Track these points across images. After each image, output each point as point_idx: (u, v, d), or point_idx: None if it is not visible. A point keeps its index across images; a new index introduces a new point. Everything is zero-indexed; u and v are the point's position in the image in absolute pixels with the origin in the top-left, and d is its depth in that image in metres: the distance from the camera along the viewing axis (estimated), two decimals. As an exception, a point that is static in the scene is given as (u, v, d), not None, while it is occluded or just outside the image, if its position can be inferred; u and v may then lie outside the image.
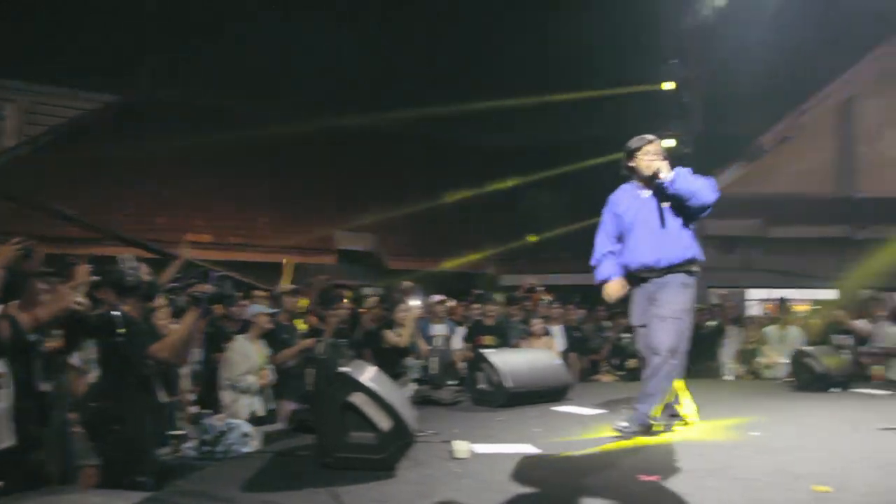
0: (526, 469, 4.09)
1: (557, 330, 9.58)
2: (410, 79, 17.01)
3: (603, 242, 5.38)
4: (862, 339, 9.50)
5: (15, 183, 11.71)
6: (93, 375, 4.97)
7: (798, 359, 8.08)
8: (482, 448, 4.57)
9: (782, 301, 11.29)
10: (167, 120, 13.95)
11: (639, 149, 5.14)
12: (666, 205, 5.08)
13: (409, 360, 7.94)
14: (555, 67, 17.55)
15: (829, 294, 14.10)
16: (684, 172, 5.05)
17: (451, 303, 9.35)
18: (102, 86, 15.41)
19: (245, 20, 16.70)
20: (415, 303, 8.34)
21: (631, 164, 5.20)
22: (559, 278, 13.75)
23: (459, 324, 9.18)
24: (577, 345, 9.91)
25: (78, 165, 12.76)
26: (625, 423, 4.94)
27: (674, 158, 5.30)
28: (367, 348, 7.84)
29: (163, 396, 4.67)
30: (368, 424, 4.08)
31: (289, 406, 6.70)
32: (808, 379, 7.81)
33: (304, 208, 14.44)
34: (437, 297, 9.02)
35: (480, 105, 15.26)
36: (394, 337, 7.74)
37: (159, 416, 4.57)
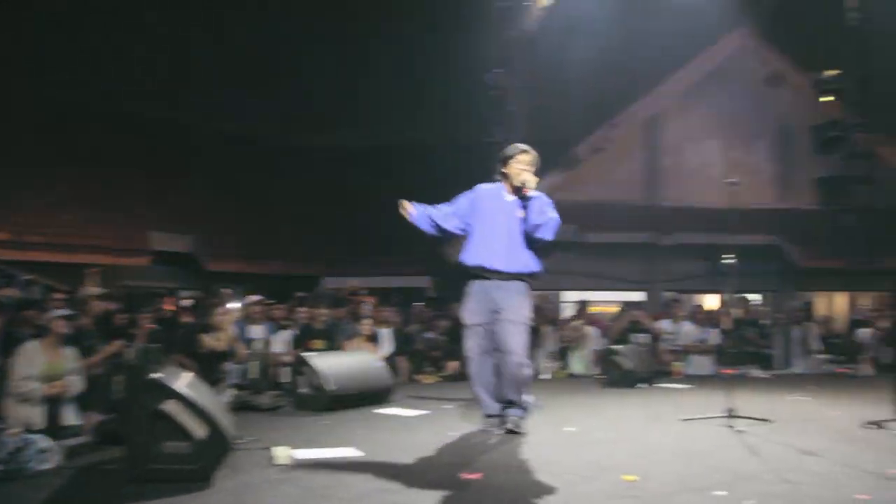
0: (349, 473, 4.02)
1: (386, 333, 9.57)
2: (228, 74, 16.47)
3: (441, 207, 5.45)
4: (659, 338, 10.20)
5: None
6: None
7: (607, 357, 8.54)
8: (304, 453, 4.46)
9: (582, 303, 11.91)
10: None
11: (513, 156, 5.23)
12: (521, 215, 5.16)
13: (228, 365, 7.63)
14: (381, 70, 17.60)
15: (637, 296, 15.02)
16: (545, 200, 5.13)
17: (272, 305, 9.11)
18: None
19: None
20: (233, 305, 8.05)
21: (504, 169, 5.27)
22: (381, 281, 13.77)
23: (283, 327, 8.96)
24: (403, 347, 9.95)
25: None
26: (509, 426, 5.08)
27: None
28: (184, 353, 7.47)
29: None
30: (182, 433, 3.87)
31: (95, 417, 6.24)
32: (616, 376, 8.26)
33: (113, 206, 13.53)
34: (254, 298, 8.77)
35: (304, 104, 15.04)
36: (211, 341, 7.44)
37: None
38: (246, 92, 16.35)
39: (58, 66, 14.38)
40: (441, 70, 15.93)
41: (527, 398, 5.22)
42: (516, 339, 5.02)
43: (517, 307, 5.09)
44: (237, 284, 10.52)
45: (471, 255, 5.26)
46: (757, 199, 15.81)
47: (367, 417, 5.96)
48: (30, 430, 4.90)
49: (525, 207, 5.09)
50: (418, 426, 5.54)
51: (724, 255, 5.74)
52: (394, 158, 16.96)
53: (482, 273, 5.18)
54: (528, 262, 5.19)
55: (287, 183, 16.19)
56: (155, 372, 4.17)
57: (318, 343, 8.54)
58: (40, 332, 6.05)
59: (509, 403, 5.15)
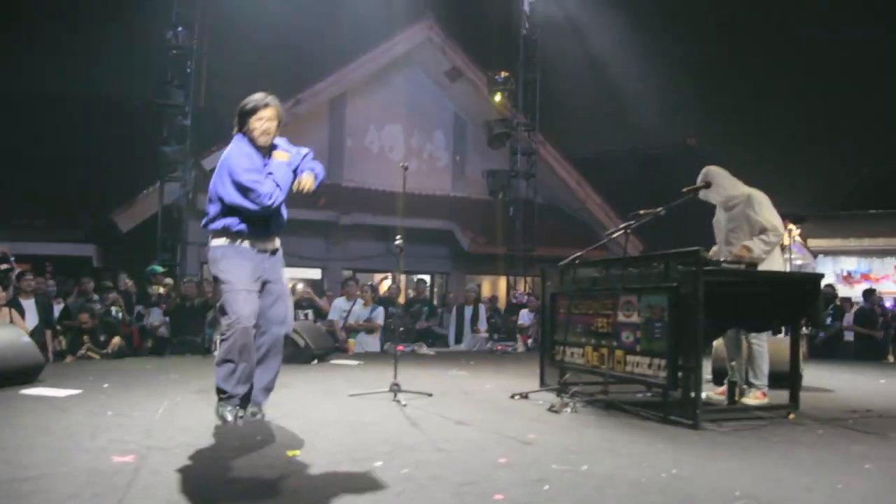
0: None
1: (30, 304, 8.67)
2: None
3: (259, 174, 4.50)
4: (322, 315, 10.44)
5: None
6: None
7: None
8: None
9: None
10: None
11: (254, 111, 4.55)
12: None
13: None
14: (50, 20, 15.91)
15: (314, 273, 15.19)
16: (284, 163, 4.57)
17: None
18: None
19: None
20: None
21: (244, 127, 4.57)
22: (32, 247, 12.47)
23: None
24: (51, 320, 9.10)
25: None
26: (253, 409, 4.66)
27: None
28: None
29: None
30: None
31: None
32: (292, 352, 8.25)
33: None
34: None
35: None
36: None
37: None
38: None
39: None
40: (116, 25, 14.81)
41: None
42: (289, 312, 4.81)
43: (282, 276, 4.79)
44: None
45: (235, 218, 4.53)
46: (433, 185, 16.78)
47: (8, 399, 5.33)
48: None
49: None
50: (70, 407, 5.06)
51: (395, 237, 5.94)
52: (57, 112, 15.46)
53: (252, 238, 4.58)
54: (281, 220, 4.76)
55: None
56: None
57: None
58: None
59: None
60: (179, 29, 12.53)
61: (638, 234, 11.16)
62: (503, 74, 15.61)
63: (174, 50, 12.52)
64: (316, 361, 8.43)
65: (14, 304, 8.56)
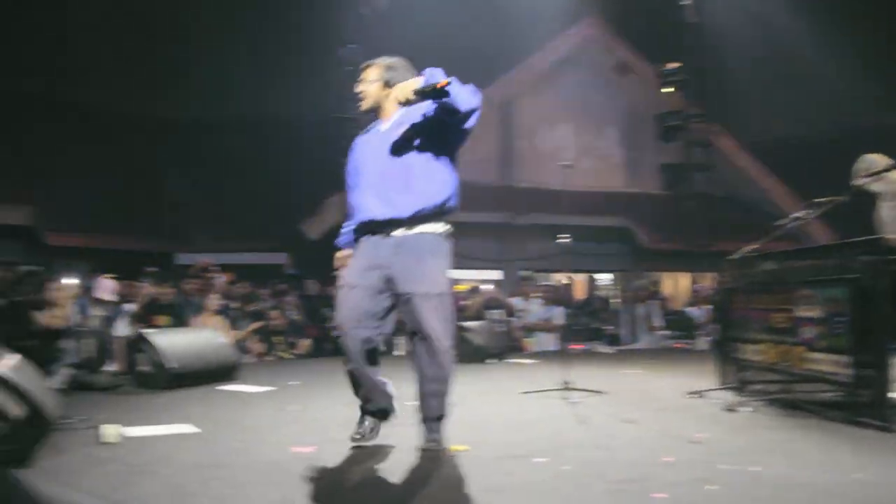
0: (178, 449, 3.94)
1: (238, 309, 9.41)
2: (70, 41, 15.58)
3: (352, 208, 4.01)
4: (513, 314, 10.51)
5: None
6: None
7: (458, 333, 8.71)
8: (135, 431, 4.34)
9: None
10: None
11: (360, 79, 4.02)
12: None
13: (66, 343, 7.28)
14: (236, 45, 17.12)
15: (493, 275, 15.39)
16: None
17: (115, 281, 8.76)
18: None
19: None
20: (70, 281, 7.68)
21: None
22: (236, 257, 13.50)
23: (127, 303, 8.62)
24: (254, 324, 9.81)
25: None
26: (433, 440, 3.83)
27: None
28: (14, 330, 7.06)
29: None
30: (-2, 412, 3.68)
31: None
32: (467, 351, 8.46)
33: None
34: (102, 279, 8.41)
35: (138, 73, 14.46)
36: (46, 318, 7.06)
37: None
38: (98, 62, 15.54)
39: None
40: (293, 45, 15.69)
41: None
42: (432, 321, 3.69)
43: (426, 274, 3.74)
44: (82, 260, 10.05)
45: (355, 220, 3.97)
46: (607, 182, 16.54)
47: (207, 394, 5.86)
48: None
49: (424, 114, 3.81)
50: (260, 402, 5.48)
51: (560, 235, 5.95)
52: (248, 133, 16.60)
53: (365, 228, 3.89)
54: (429, 195, 3.78)
55: (139, 155, 15.53)
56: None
57: (163, 319, 8.30)
58: None
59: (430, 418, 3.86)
60: (352, 45, 13.12)
61: (829, 223, 10.48)
62: (673, 65, 15.16)
63: (348, 66, 13.13)
64: (494, 361, 8.59)
65: (219, 309, 9.31)
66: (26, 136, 14.19)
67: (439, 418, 3.85)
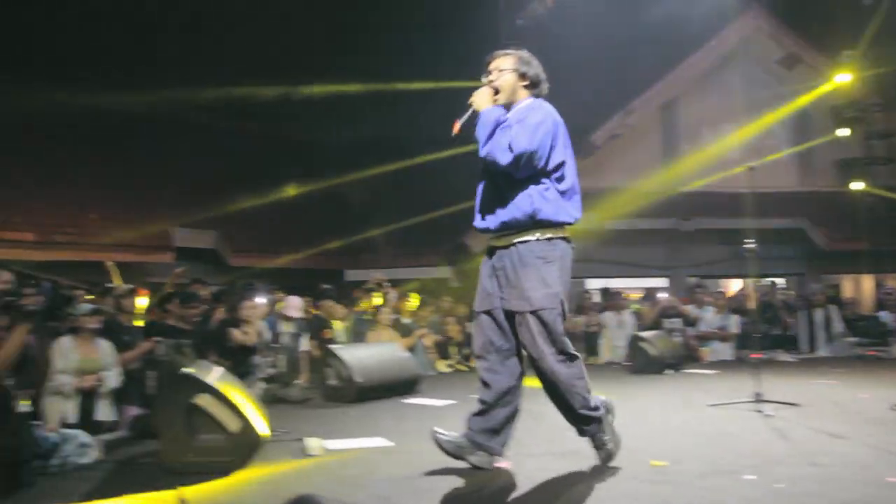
0: (379, 462, 4.08)
1: (404, 323, 9.63)
2: (234, 72, 16.53)
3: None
4: (690, 323, 10.16)
5: None
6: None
7: (634, 343, 8.54)
8: (334, 444, 4.52)
9: (605, 290, 11.85)
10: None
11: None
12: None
13: (256, 359, 7.71)
14: (391, 62, 17.59)
15: (659, 282, 15.00)
16: (493, 113, 3.66)
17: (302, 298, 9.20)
18: None
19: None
20: (260, 300, 8.12)
21: None
22: (403, 272, 13.84)
23: (307, 320, 9.03)
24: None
25: None
26: (599, 446, 3.72)
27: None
28: (213, 347, 7.55)
29: (22, 407, 4.27)
30: (216, 426, 3.94)
31: (131, 411, 6.35)
32: (643, 362, 8.27)
33: (136, 203, 13.69)
34: (291, 296, 8.84)
35: (313, 98, 15.05)
36: (240, 335, 7.50)
37: (11, 428, 4.10)
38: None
39: (77, 66, 14.51)
40: (454, 58, 15.90)
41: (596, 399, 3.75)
42: (536, 338, 3.54)
43: (530, 285, 3.56)
44: (259, 279, 10.60)
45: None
46: (778, 181, 15.72)
47: (395, 407, 6.03)
48: (65, 425, 5.00)
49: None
50: (446, 415, 5.58)
51: (745, 240, 5.71)
52: (415, 149, 16.98)
53: (488, 242, 3.84)
54: (522, 208, 3.62)
55: (307, 177, 16.25)
56: (187, 366, 4.26)
57: (339, 334, 8.62)
58: (74, 328, 6.13)
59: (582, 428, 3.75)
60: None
61: None
62: (848, 52, 14.23)
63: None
64: (671, 371, 8.35)
65: (395, 324, 9.56)
66: (209, 165, 15.24)
67: (585, 421, 3.68)
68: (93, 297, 7.11)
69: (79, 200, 12.96)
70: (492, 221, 3.71)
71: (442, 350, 10.16)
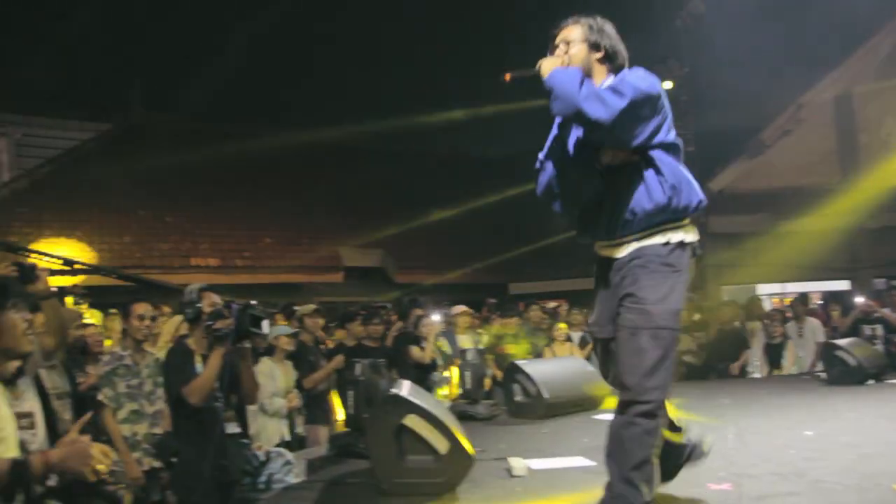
0: (586, 483, 3.94)
1: (576, 336, 9.46)
2: (402, 92, 16.94)
3: None
4: (892, 328, 9.37)
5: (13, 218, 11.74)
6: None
7: (829, 352, 7.98)
8: (537, 464, 4.44)
9: (802, 296, 11.15)
10: (164, 144, 13.78)
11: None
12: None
13: (434, 376, 7.77)
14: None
15: (842, 285, 14.04)
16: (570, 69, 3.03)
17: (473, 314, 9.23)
18: (92, 114, 15.31)
19: (228, 41, 16.56)
20: (436, 316, 8.19)
21: None
22: (569, 284, 13.65)
23: (481, 335, 9.04)
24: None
25: (77, 195, 12.57)
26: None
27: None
28: (392, 365, 7.66)
29: (231, 428, 4.48)
30: (426, 447, 3.94)
31: (320, 431, 6.55)
32: (841, 372, 7.70)
33: (307, 227, 14.32)
34: (459, 309, 8.88)
35: (472, 115, 15.21)
36: (418, 352, 7.57)
37: (221, 448, 4.27)
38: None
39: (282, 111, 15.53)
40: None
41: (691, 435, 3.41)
42: (631, 360, 2.94)
43: (641, 297, 2.96)
44: (426, 295, 10.74)
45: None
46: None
47: (586, 424, 5.86)
48: (281, 444, 5.23)
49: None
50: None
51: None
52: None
53: (597, 251, 3.32)
54: (644, 205, 3.00)
55: (470, 193, 16.38)
56: (384, 386, 4.30)
57: (516, 349, 8.55)
58: (268, 349, 6.39)
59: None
60: (669, 60, 12.80)
61: None
62: None
63: (666, 81, 12.80)
64: (872, 382, 7.74)
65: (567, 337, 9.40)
66: (375, 187, 15.73)
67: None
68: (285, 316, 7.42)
69: (255, 226, 13.67)
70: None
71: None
